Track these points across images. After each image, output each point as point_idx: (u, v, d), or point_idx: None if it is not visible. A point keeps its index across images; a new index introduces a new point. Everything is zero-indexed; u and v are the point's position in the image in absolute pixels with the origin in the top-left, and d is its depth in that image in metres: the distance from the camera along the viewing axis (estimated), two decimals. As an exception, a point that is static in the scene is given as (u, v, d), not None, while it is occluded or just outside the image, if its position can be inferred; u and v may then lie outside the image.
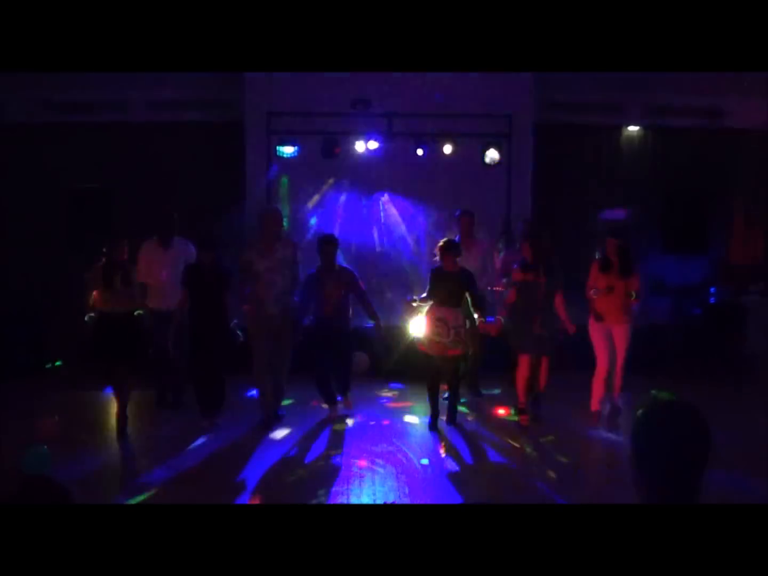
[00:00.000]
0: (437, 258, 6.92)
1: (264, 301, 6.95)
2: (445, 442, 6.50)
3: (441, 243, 6.88)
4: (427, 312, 6.84)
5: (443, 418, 6.95)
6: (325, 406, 7.34)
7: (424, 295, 6.93)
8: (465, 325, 6.74)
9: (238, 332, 7.00)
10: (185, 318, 6.92)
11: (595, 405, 7.29)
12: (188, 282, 6.86)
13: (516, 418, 7.06)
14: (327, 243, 7.17)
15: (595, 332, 7.22)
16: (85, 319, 6.84)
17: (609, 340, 7.19)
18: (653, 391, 1.96)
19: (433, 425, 6.86)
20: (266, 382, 7.04)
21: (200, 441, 6.54)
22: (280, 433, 6.73)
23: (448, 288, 6.72)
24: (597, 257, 7.34)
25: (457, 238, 7.41)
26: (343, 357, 7.41)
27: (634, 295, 7.11)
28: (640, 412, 1.92)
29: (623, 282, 7.08)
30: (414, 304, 7.09)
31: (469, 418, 7.26)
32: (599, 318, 7.13)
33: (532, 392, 7.07)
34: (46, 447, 5.70)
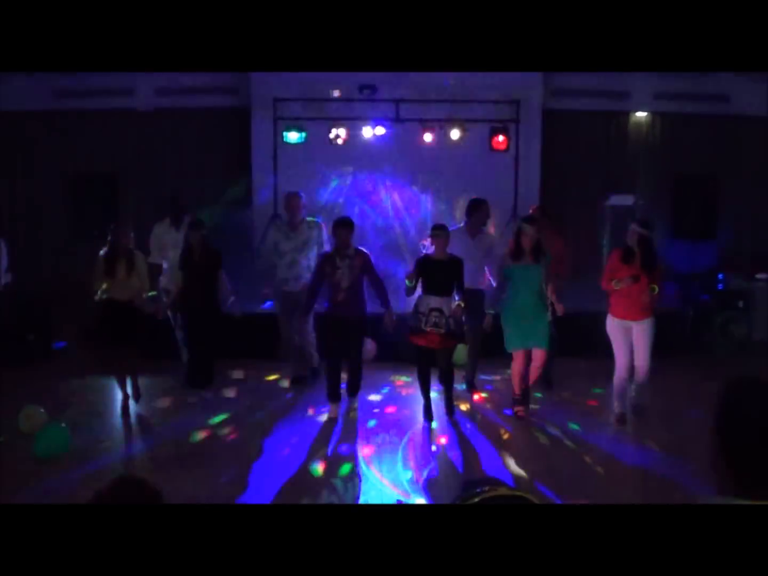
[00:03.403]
0: (427, 242, 6.91)
1: (287, 279, 7.60)
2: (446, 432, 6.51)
3: (432, 228, 6.72)
4: (419, 301, 6.58)
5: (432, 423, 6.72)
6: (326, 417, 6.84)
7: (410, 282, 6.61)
8: (460, 313, 6.52)
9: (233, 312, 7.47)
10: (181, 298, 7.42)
11: (617, 407, 6.67)
12: (182, 264, 7.32)
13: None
14: (341, 225, 6.78)
15: (614, 329, 6.58)
16: (95, 299, 6.91)
17: (628, 337, 6.55)
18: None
19: (427, 414, 6.68)
20: (293, 349, 7.80)
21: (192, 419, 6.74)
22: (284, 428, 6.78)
23: (439, 277, 6.51)
24: (619, 247, 6.70)
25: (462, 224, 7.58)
26: (354, 348, 6.87)
27: (656, 289, 6.42)
28: (727, 386, 1.92)
29: (646, 274, 6.42)
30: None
31: (463, 408, 7.12)
32: (618, 313, 6.53)
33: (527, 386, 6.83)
34: (64, 425, 5.79)
